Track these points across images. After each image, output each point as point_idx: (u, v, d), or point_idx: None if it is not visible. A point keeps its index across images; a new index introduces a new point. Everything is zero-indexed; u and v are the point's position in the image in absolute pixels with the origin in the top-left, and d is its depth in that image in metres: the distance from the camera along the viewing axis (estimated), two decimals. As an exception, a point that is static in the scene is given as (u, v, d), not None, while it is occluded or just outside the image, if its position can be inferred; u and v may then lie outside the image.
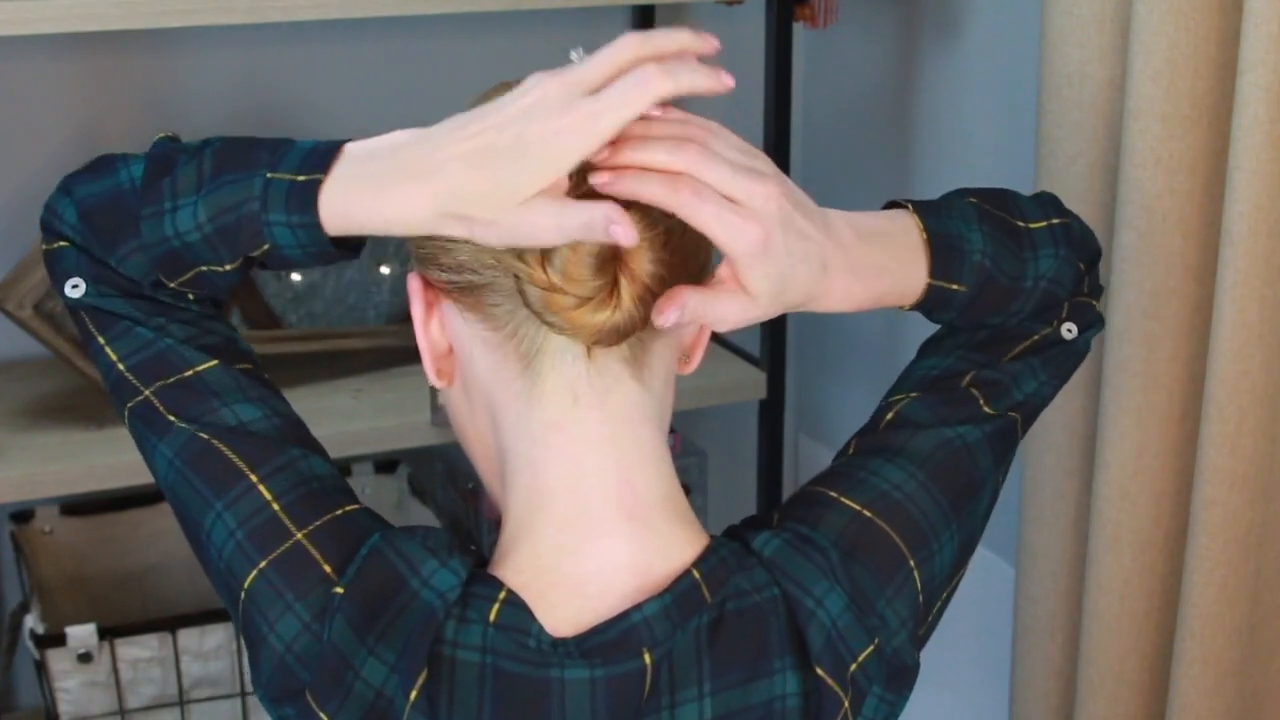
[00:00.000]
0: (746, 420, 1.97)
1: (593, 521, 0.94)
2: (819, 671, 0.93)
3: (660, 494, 0.96)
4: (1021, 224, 1.07)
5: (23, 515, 1.87)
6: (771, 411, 1.90)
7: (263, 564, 0.94)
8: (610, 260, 0.88)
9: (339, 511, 0.96)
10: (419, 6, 1.62)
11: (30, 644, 1.68)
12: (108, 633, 1.68)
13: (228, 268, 0.95)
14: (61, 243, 0.99)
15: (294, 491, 0.95)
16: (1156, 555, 1.54)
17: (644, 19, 2.05)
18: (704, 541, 0.96)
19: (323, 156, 0.91)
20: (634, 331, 0.90)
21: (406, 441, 1.72)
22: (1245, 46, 1.32)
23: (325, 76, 1.94)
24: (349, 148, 0.91)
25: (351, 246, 0.97)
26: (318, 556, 0.93)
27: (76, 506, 1.87)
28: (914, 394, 1.06)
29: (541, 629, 0.91)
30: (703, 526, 0.99)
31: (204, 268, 0.95)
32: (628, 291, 0.88)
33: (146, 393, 0.98)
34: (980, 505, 1.04)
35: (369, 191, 0.89)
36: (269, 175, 0.92)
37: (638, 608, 0.91)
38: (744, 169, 0.88)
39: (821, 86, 2.18)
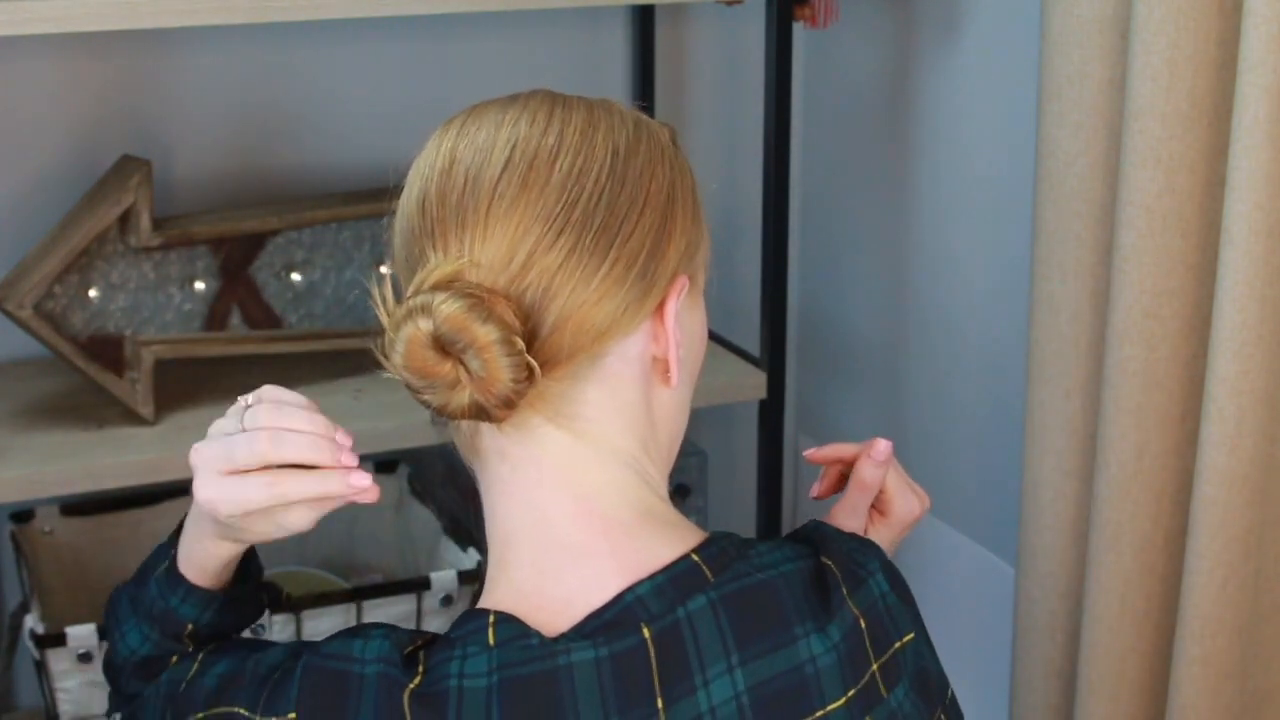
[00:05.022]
0: (746, 420, 1.97)
1: (565, 550, 0.96)
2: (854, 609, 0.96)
3: (636, 513, 0.97)
4: None
5: (23, 515, 1.87)
6: (771, 411, 1.89)
7: None
8: (444, 355, 0.90)
9: (247, 661, 1.01)
10: (419, 6, 1.62)
11: (30, 644, 1.68)
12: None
13: (190, 649, 1.08)
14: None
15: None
16: (1156, 555, 1.54)
17: (644, 19, 2.05)
18: (702, 536, 0.98)
19: (171, 538, 1.08)
20: (502, 404, 0.91)
21: (406, 441, 1.72)
22: (1245, 46, 1.32)
23: (325, 76, 1.94)
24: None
25: (257, 587, 1.12)
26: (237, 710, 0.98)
27: (76, 506, 1.87)
28: None
29: (540, 632, 0.93)
30: (701, 528, 1.00)
31: (173, 658, 1.08)
32: (466, 378, 0.90)
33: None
34: None
35: (190, 519, 1.06)
36: (153, 576, 1.09)
37: (630, 589, 0.94)
38: None
39: (821, 86, 2.18)
